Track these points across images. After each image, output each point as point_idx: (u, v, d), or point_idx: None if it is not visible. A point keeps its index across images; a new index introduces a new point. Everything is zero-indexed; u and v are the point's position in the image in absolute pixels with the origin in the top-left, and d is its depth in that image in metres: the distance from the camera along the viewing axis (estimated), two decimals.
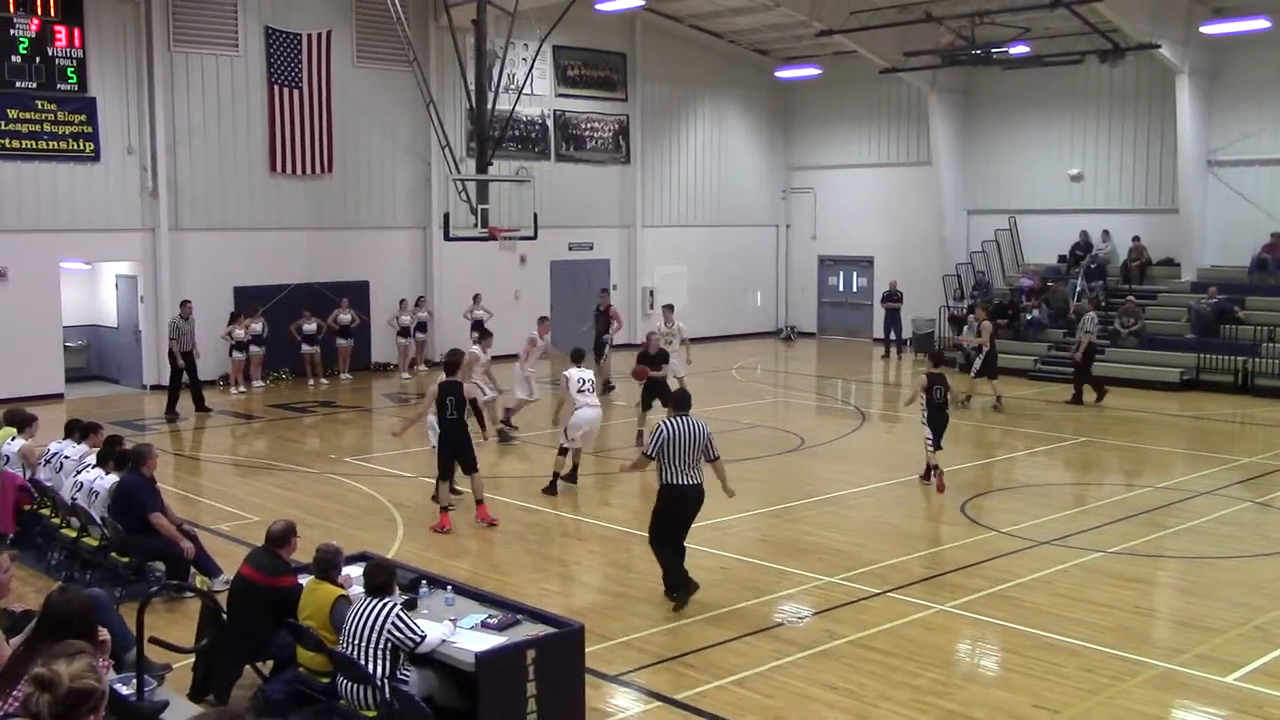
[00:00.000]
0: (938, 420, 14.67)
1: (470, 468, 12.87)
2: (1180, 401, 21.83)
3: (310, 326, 24.06)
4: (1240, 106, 24.90)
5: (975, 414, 20.39)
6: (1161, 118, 25.95)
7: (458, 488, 13.19)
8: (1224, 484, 15.10)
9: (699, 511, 10.44)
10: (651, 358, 17.40)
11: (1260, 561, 11.75)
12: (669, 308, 21.43)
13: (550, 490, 14.45)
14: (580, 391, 14.62)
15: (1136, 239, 26.55)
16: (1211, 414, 20.75)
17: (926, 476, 14.82)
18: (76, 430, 12.25)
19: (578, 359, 15.41)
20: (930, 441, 14.65)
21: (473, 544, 12.50)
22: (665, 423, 10.32)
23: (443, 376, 12.86)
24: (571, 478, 14.80)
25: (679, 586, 10.32)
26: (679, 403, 10.69)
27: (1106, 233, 27.17)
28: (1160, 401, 21.73)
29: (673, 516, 10.35)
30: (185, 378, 20.83)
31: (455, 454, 12.75)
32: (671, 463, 10.14)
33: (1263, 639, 9.49)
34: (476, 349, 17.10)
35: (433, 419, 13.36)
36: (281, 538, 8.22)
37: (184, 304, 21.41)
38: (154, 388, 23.07)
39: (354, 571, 8.12)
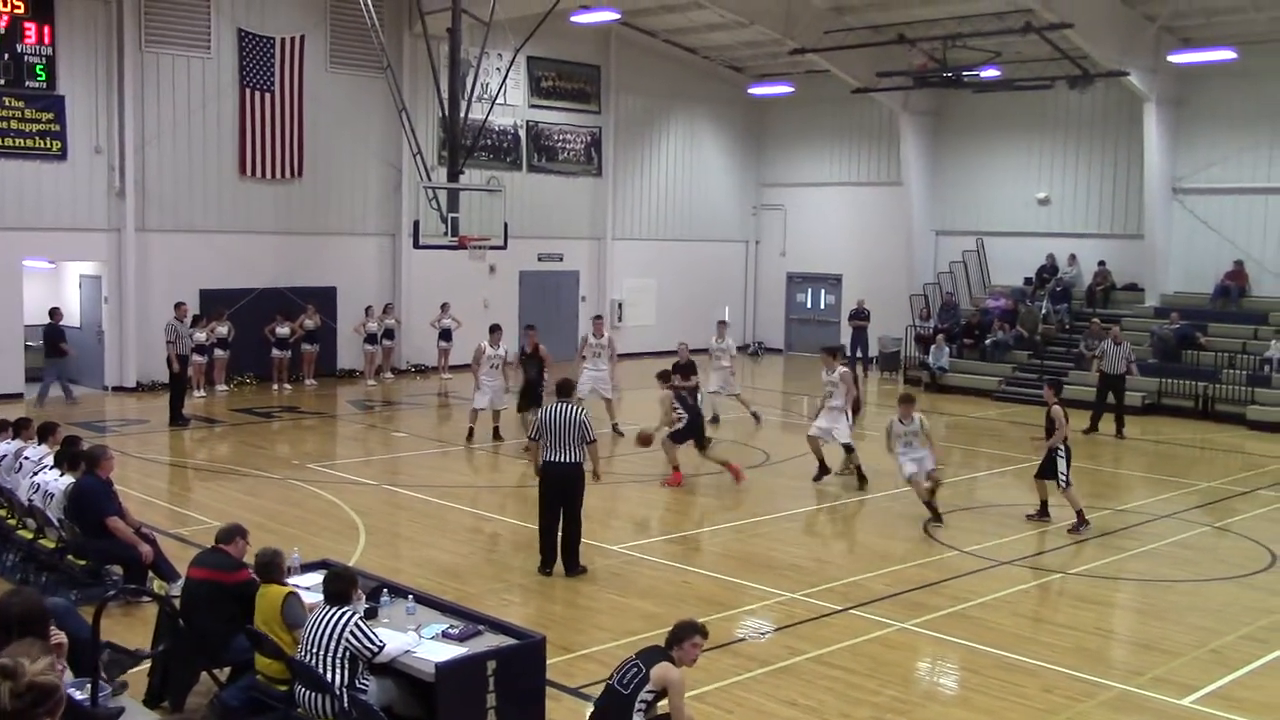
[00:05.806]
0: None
1: (701, 445, 15.85)
2: (1141, 425, 21.99)
3: (283, 330, 23.90)
4: (1206, 135, 25.23)
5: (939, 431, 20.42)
6: (1129, 144, 26.25)
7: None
8: (1183, 508, 15.25)
9: (582, 489, 11.47)
10: (682, 366, 18.84)
11: (1217, 585, 11.86)
12: (599, 319, 21.87)
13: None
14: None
15: (1101, 263, 26.82)
16: (1172, 438, 20.95)
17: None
18: (9, 428, 12.24)
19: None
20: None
21: (434, 553, 12.44)
22: (545, 408, 11.82)
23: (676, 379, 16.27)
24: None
25: (547, 562, 11.50)
26: (560, 389, 11.99)
27: (1073, 256, 27.43)
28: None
29: (551, 491, 11.46)
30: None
31: (692, 432, 15.66)
32: (550, 443, 11.37)
33: (1219, 662, 9.57)
34: (484, 342, 18.81)
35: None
36: (228, 536, 8.21)
37: (179, 305, 20.94)
38: (115, 389, 22.86)
39: (312, 579, 8.05)
